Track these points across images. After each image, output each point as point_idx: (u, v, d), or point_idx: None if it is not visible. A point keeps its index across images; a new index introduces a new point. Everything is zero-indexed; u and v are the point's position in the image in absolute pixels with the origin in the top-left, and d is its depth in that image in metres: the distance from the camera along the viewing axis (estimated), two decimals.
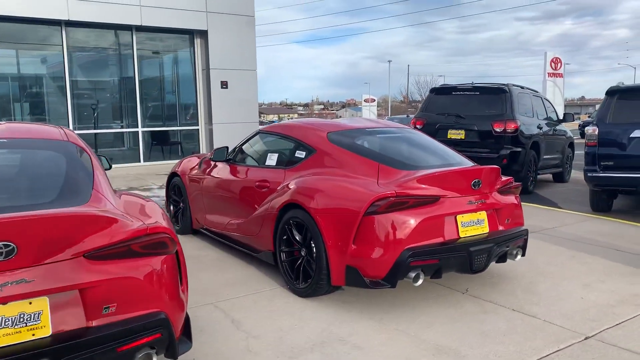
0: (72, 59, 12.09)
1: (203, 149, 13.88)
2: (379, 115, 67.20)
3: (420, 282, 3.86)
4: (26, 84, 12.40)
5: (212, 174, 5.69)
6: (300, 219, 4.22)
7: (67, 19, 11.50)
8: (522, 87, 10.81)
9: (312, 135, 4.71)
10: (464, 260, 3.98)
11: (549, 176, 12.45)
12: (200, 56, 13.49)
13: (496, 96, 9.99)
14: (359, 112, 79.30)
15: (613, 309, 4.09)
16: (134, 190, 10.14)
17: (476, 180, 4.12)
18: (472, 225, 4.14)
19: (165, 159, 13.54)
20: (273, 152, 5.07)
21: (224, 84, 13.42)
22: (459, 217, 4.07)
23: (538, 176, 10.94)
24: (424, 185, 3.97)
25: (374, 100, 77.82)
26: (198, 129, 13.95)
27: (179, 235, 6.24)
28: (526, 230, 4.54)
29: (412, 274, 3.83)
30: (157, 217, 2.95)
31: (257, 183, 4.91)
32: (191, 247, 5.86)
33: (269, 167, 4.99)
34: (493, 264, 4.46)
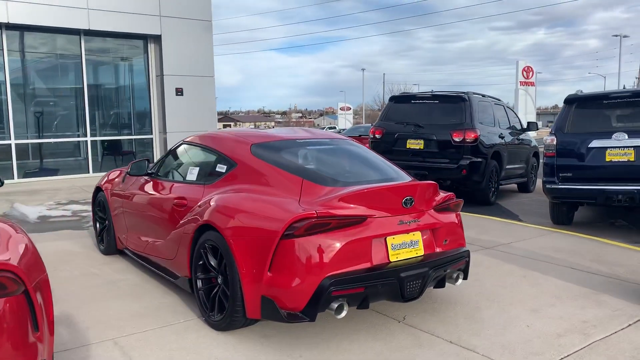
0: (13, 65, 11.44)
1: (157, 158, 13.30)
2: (356, 123, 67.06)
3: (343, 314, 3.41)
4: None
5: (132, 189, 5.18)
6: (215, 242, 3.75)
7: (6, 21, 10.87)
8: (483, 96, 10.53)
9: (234, 147, 4.24)
10: (394, 288, 3.55)
11: (514, 186, 12.19)
12: (154, 62, 12.95)
13: (455, 105, 9.67)
14: (336, 120, 79.02)
15: (559, 340, 3.70)
16: (75, 203, 9.53)
17: (408, 197, 3.70)
18: (405, 247, 3.72)
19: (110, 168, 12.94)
20: (194, 165, 4.59)
21: (179, 91, 12.90)
22: (389, 239, 3.64)
23: (501, 186, 10.65)
24: (349, 204, 3.54)
25: (350, 109, 77.71)
26: (152, 138, 13.38)
27: (104, 256, 5.76)
28: (467, 252, 4.14)
29: (335, 305, 3.38)
30: (9, 252, 2.46)
31: (175, 201, 4.41)
32: (111, 270, 5.33)
33: (189, 182, 4.50)
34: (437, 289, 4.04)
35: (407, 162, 9.71)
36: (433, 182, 4.05)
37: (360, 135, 15.52)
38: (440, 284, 3.96)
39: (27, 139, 11.93)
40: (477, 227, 7.54)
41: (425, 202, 3.87)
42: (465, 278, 4.21)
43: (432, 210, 3.94)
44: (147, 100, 13.26)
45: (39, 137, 12.27)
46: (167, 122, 12.91)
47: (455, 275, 4.06)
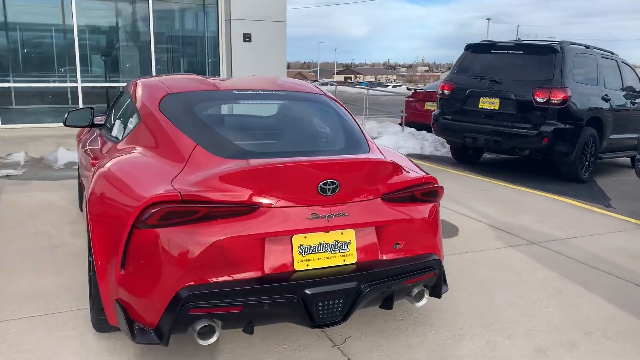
0: (81, 8, 11.31)
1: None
2: None
3: (212, 340, 2.42)
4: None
5: (81, 145, 4.48)
6: None
7: None
8: (587, 47, 8.51)
9: (145, 98, 3.30)
10: (295, 309, 2.48)
11: (627, 160, 10.06)
12: (223, 4, 12.21)
13: (544, 57, 7.84)
14: None
15: None
16: None
17: (328, 180, 2.53)
18: (323, 251, 2.60)
19: None
20: (118, 118, 3.74)
21: (247, 37, 12.10)
22: (296, 238, 2.54)
23: (604, 159, 8.71)
24: (234, 186, 2.47)
25: None
26: None
27: (79, 212, 5.24)
28: (437, 261, 2.91)
29: (198, 327, 2.39)
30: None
31: (91, 161, 3.62)
32: (70, 232, 4.74)
33: (109, 139, 3.66)
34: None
35: (477, 124, 8.19)
36: (383, 159, 2.83)
37: (415, 90, 13.82)
38: (387, 303, 2.80)
39: (94, 82, 11.92)
40: (539, 212, 6.01)
41: (362, 188, 2.68)
42: (436, 295, 3.00)
43: (378, 200, 2.74)
44: (216, 47, 12.65)
45: (105, 81, 12.23)
46: (233, 71, 12.23)
47: (416, 292, 2.86)
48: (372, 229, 2.73)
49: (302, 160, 2.58)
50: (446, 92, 8.70)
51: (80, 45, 11.24)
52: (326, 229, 2.58)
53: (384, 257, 2.77)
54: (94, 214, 2.71)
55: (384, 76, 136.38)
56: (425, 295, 2.90)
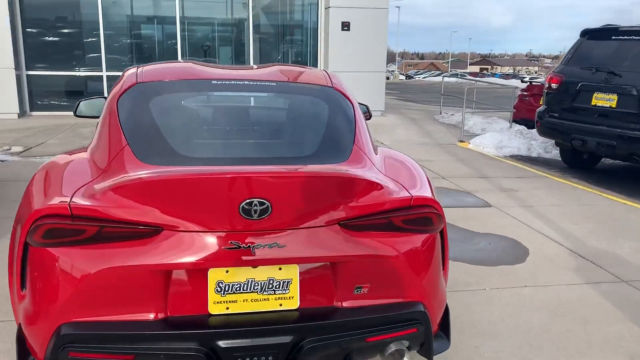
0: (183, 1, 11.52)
1: None
2: None
3: None
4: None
5: None
6: None
7: None
8: None
9: (114, 89, 2.88)
10: None
11: None
12: None
13: None
14: None
15: None
16: None
17: (252, 200, 1.92)
18: (251, 291, 2.00)
19: None
20: None
21: (345, 26, 11.54)
22: (213, 272, 1.98)
23: None
24: (134, 202, 1.96)
25: None
26: None
27: None
28: (421, 313, 2.17)
29: None
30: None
31: None
32: None
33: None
34: None
35: (588, 124, 6.91)
36: (339, 172, 2.14)
37: (530, 82, 12.18)
38: None
39: None
40: None
41: (309, 210, 2.02)
42: (425, 356, 2.26)
43: (336, 227, 2.06)
44: (315, 37, 12.26)
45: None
46: (329, 60, 11.76)
47: (391, 351, 2.15)
48: (326, 265, 2.07)
49: (217, 172, 2.00)
50: (553, 85, 7.46)
51: (181, 37, 11.46)
52: (253, 263, 1.98)
53: (342, 305, 2.10)
54: (15, 223, 2.37)
55: (524, 68, 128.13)
56: (405, 356, 2.18)
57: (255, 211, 1.93)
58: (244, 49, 12.03)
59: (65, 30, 11.50)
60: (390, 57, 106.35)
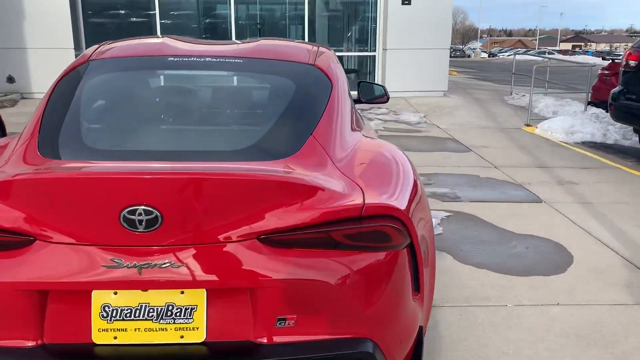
0: None
1: (378, 79, 11.73)
2: None
3: None
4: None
5: None
6: None
7: None
8: None
9: (65, 69, 2.59)
10: None
11: None
12: None
13: None
14: None
15: None
16: None
17: (135, 208, 1.52)
18: (144, 319, 1.62)
19: None
20: None
21: (406, 0, 10.80)
22: (98, 295, 1.62)
23: None
24: (2, 204, 1.62)
25: None
26: (375, 55, 11.78)
27: None
28: (368, 354, 1.70)
29: None
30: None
31: None
32: None
33: None
34: None
35: None
36: (259, 173, 1.68)
37: (613, 60, 10.83)
38: None
39: None
40: None
41: (218, 222, 1.60)
42: None
43: (254, 243, 1.63)
44: (373, 12, 11.60)
45: None
46: (387, 36, 11.08)
47: None
48: (242, 290, 1.65)
49: (94, 173, 1.62)
50: (632, 62, 6.49)
51: (235, 17, 11.22)
52: (141, 286, 1.60)
53: (261, 340, 1.67)
54: None
55: (623, 44, 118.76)
56: None
57: (141, 222, 1.54)
58: (299, 27, 11.62)
59: (123, 12, 11.61)
60: (474, 34, 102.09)
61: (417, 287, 1.92)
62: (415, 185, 2.08)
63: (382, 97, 3.75)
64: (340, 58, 12.22)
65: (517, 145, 7.48)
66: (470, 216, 4.50)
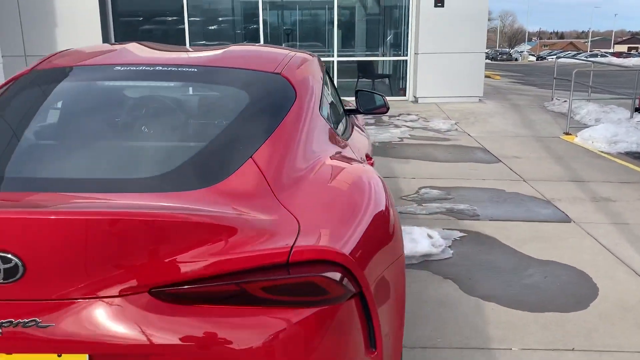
0: None
1: (410, 85, 11.29)
2: None
3: None
4: None
5: None
6: None
7: None
8: None
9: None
10: None
11: None
12: None
13: None
14: None
15: None
16: None
17: None
18: None
19: None
20: None
21: (439, 2, 10.34)
22: None
23: None
24: None
25: None
26: (407, 60, 11.34)
27: None
28: None
29: None
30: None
31: None
32: None
33: None
34: None
35: None
36: (161, 212, 1.37)
37: None
38: None
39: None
40: None
41: (100, 271, 1.30)
42: None
43: (145, 297, 1.32)
44: (405, 14, 11.18)
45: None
46: (419, 40, 10.62)
47: None
48: (136, 358, 1.35)
49: None
50: None
51: (263, 21, 11.02)
52: (4, 348, 1.31)
53: None
54: None
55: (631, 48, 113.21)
56: None
57: None
58: (328, 30, 11.32)
59: (153, 17, 11.62)
60: (522, 37, 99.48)
61: (372, 343, 1.58)
62: (382, 219, 1.74)
63: (382, 108, 3.40)
64: (371, 63, 11.87)
65: (552, 156, 6.94)
66: (486, 238, 4.08)
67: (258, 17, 11.02)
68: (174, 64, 2.24)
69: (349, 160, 2.17)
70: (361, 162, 2.20)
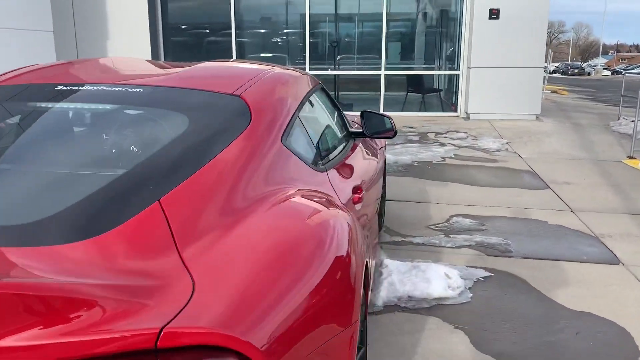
0: None
1: (462, 101, 10.72)
2: None
3: None
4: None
5: None
6: None
7: None
8: None
9: None
10: None
11: None
12: None
13: None
14: None
15: None
16: None
17: None
18: None
19: (415, 109, 11.09)
20: None
21: (494, 13, 9.76)
22: None
23: None
24: None
25: None
26: (459, 74, 10.79)
27: None
28: None
29: None
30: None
31: None
32: None
33: None
34: None
35: None
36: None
37: None
38: None
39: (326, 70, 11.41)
40: None
41: None
42: None
43: None
44: (457, 27, 10.65)
45: (335, 69, 11.57)
46: (472, 53, 10.04)
47: None
48: None
49: None
50: None
51: (310, 35, 10.83)
52: None
53: None
54: None
55: None
56: None
57: None
58: (375, 43, 10.97)
59: (202, 31, 11.72)
60: (596, 50, 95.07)
61: None
62: (328, 285, 1.40)
63: (389, 132, 3.04)
64: (421, 77, 11.41)
65: (608, 182, 6.27)
66: (515, 279, 3.60)
67: (304, 31, 10.84)
68: (124, 83, 1.98)
69: (309, 200, 1.81)
70: (328, 204, 1.85)
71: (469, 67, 10.29)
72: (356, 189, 2.43)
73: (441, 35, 11.53)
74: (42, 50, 9.07)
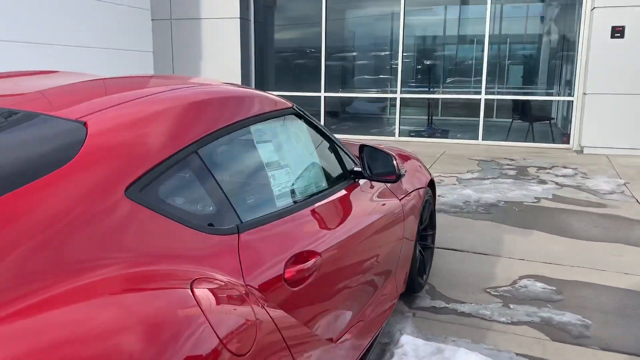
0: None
1: (575, 131, 9.27)
2: None
3: None
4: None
5: None
6: None
7: None
8: None
9: None
10: None
11: None
12: None
13: None
14: None
15: None
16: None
17: None
18: None
19: (520, 138, 9.82)
20: None
21: (618, 31, 8.32)
22: None
23: None
24: None
25: None
26: (572, 101, 9.37)
27: None
28: None
29: None
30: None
31: None
32: None
33: None
34: None
35: None
36: None
37: None
38: None
39: (419, 94, 10.54)
40: None
41: None
42: None
43: None
44: (572, 48, 9.27)
45: (428, 92, 10.65)
46: (588, 78, 8.63)
47: None
48: None
49: None
50: None
51: (402, 57, 10.12)
52: None
53: None
54: None
55: None
56: None
57: None
58: (475, 66, 9.94)
59: (292, 54, 11.52)
60: None
61: None
62: None
63: (390, 176, 2.29)
64: (528, 103, 10.17)
65: None
66: None
67: (397, 52, 10.13)
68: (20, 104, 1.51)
69: (159, 279, 1.18)
70: (176, 294, 1.19)
71: (584, 93, 8.90)
72: (303, 256, 1.72)
73: (551, 57, 10.21)
74: (142, 67, 9.56)
